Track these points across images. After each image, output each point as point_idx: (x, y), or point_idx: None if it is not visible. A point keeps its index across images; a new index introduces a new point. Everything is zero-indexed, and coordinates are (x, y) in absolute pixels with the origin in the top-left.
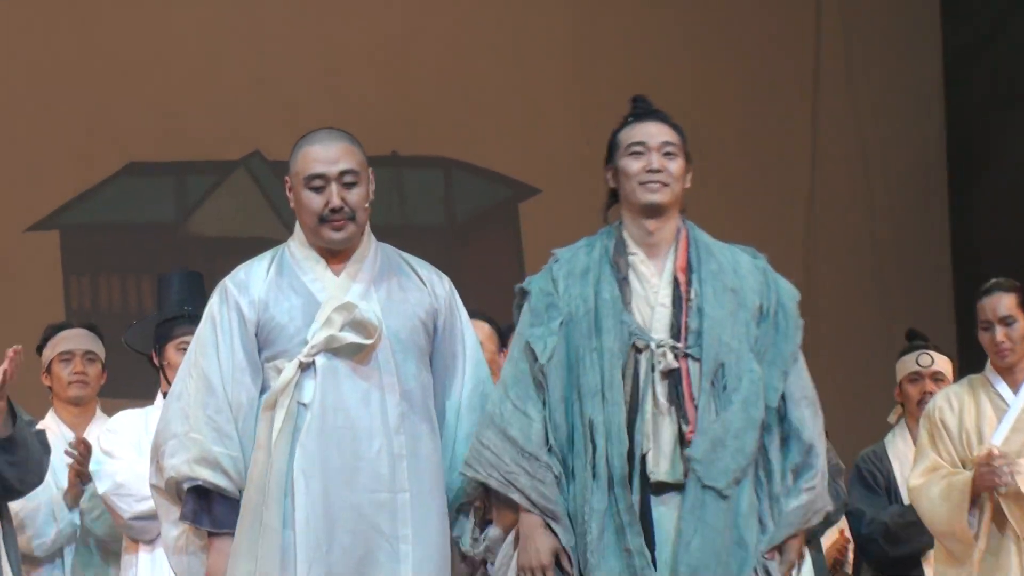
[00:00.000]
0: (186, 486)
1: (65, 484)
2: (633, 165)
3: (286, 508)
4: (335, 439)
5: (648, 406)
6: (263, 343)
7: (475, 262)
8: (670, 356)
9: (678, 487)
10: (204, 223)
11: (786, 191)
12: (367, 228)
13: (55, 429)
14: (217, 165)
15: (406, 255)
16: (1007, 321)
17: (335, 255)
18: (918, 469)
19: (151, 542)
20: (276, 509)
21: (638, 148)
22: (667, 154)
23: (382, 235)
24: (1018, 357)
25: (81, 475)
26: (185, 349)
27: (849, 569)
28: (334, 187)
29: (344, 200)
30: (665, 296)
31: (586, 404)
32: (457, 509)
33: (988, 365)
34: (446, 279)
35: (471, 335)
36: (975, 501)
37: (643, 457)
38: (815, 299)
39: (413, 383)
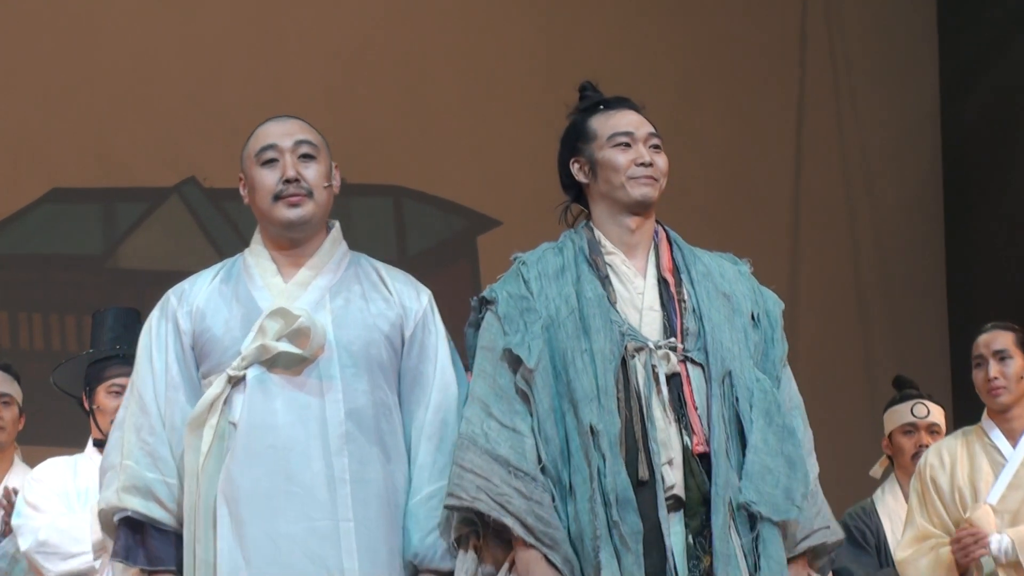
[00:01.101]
0: (116, 519)
1: None
2: (620, 158)
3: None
4: (263, 461)
5: (657, 412)
6: (199, 357)
7: None
8: (673, 359)
9: (682, 504)
10: (134, 255)
11: (768, 224)
12: (336, 232)
13: None
14: (149, 192)
15: (383, 267)
16: (1001, 356)
17: (292, 258)
18: (906, 538)
19: None
20: (207, 542)
21: (624, 139)
22: (654, 147)
23: None
24: (1013, 398)
25: (5, 528)
26: (117, 392)
27: None
28: (288, 158)
29: (300, 173)
30: (652, 299)
31: (582, 410)
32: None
33: (984, 415)
34: (425, 294)
35: (444, 356)
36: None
37: (652, 470)
38: (796, 341)
39: (363, 400)
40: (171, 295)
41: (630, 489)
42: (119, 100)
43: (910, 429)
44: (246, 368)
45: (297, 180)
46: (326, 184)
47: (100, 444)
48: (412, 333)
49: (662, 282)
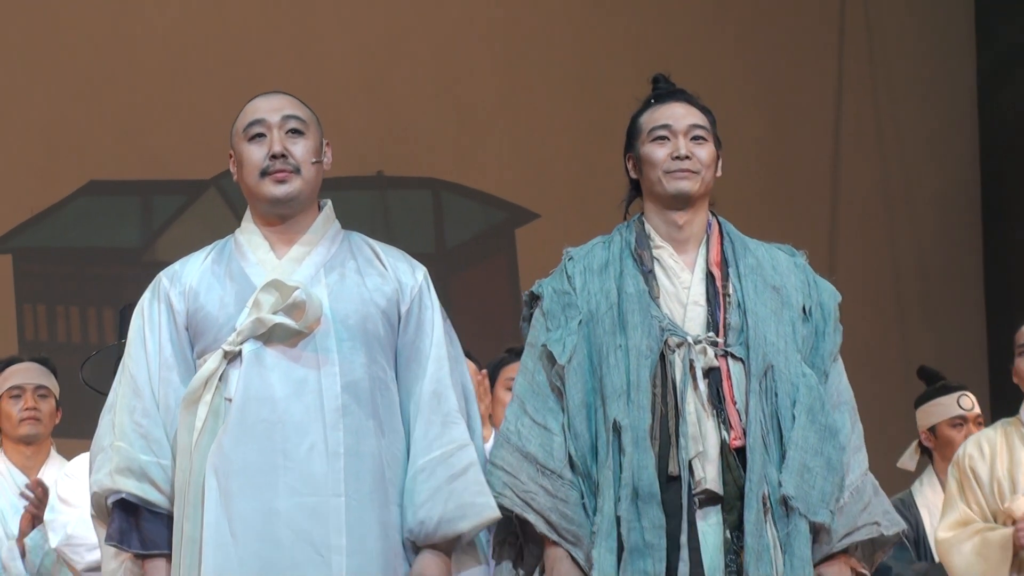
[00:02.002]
0: (110, 501)
1: (16, 532)
2: (657, 152)
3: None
4: (257, 434)
5: (691, 407)
6: (194, 337)
7: (467, 292)
8: (711, 353)
9: (719, 499)
10: (172, 248)
11: (806, 226)
12: (328, 210)
13: (5, 472)
14: (186, 184)
15: (378, 244)
16: None
17: (283, 235)
18: (947, 521)
19: None
20: (195, 519)
21: (662, 132)
22: (695, 138)
23: None
24: None
25: (34, 520)
26: None
27: None
28: (276, 134)
29: (287, 149)
30: (698, 293)
31: (610, 406)
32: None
33: (1022, 406)
34: (421, 270)
35: (439, 332)
36: (1014, 560)
37: (687, 464)
38: None
39: (360, 373)
40: (163, 276)
41: (656, 484)
42: (156, 93)
43: (960, 422)
44: (242, 343)
45: (284, 156)
46: (314, 160)
47: None
48: (408, 309)
49: (709, 276)
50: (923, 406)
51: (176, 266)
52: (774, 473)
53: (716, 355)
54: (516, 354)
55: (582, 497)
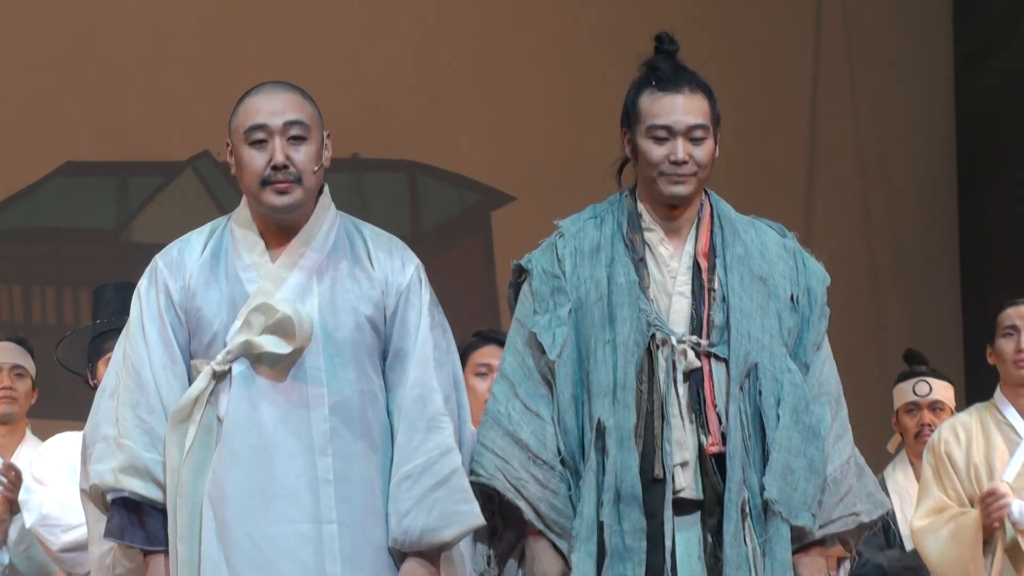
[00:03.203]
0: (110, 497)
1: None
2: (655, 151)
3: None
4: (246, 460)
5: (674, 410)
6: (190, 332)
7: (443, 274)
8: (691, 355)
9: (698, 504)
10: (147, 229)
11: (781, 201)
12: (325, 197)
13: None
14: (163, 166)
15: (370, 235)
16: None
17: (279, 231)
18: (922, 509)
19: None
20: (191, 542)
21: (661, 133)
22: (695, 139)
23: None
24: None
25: (11, 504)
26: None
27: None
28: (278, 141)
29: (289, 158)
30: (684, 283)
31: (595, 404)
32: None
33: (997, 391)
34: (411, 265)
35: (425, 331)
36: (987, 542)
37: (672, 469)
38: None
39: (349, 391)
40: (160, 264)
41: (638, 486)
42: (133, 74)
43: (912, 408)
44: (231, 362)
45: (286, 166)
46: (316, 168)
47: None
48: (394, 311)
49: (695, 267)
50: (894, 389)
51: (174, 252)
52: (755, 477)
53: (699, 355)
54: (484, 338)
55: (569, 489)
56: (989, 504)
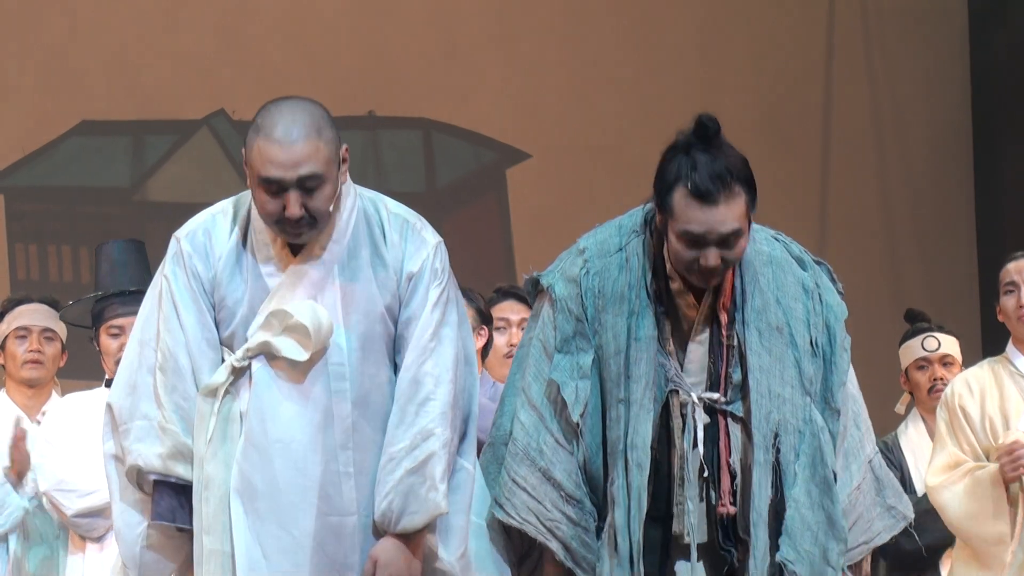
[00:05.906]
0: (152, 478)
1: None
2: (686, 253)
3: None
4: (274, 455)
5: (693, 469)
6: (217, 322)
7: (458, 232)
8: (705, 415)
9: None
10: (163, 187)
11: (798, 163)
12: (345, 186)
13: (5, 410)
14: (178, 124)
15: (387, 211)
16: None
17: None
18: (936, 465)
19: (99, 539)
20: (219, 534)
21: (694, 239)
22: (729, 244)
23: None
24: None
25: (19, 454)
26: (115, 335)
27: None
28: (293, 195)
29: (305, 207)
30: (702, 336)
31: (610, 463)
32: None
33: (1010, 343)
34: (426, 247)
35: (427, 314)
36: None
37: (693, 528)
38: None
39: (369, 384)
40: (187, 247)
41: (639, 541)
42: (149, 33)
43: (923, 364)
44: (251, 359)
45: (301, 217)
46: (331, 207)
47: (110, 383)
48: (406, 297)
49: (715, 321)
50: (900, 349)
51: (199, 234)
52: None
53: (716, 412)
54: (504, 293)
55: (595, 521)
56: (1012, 454)
